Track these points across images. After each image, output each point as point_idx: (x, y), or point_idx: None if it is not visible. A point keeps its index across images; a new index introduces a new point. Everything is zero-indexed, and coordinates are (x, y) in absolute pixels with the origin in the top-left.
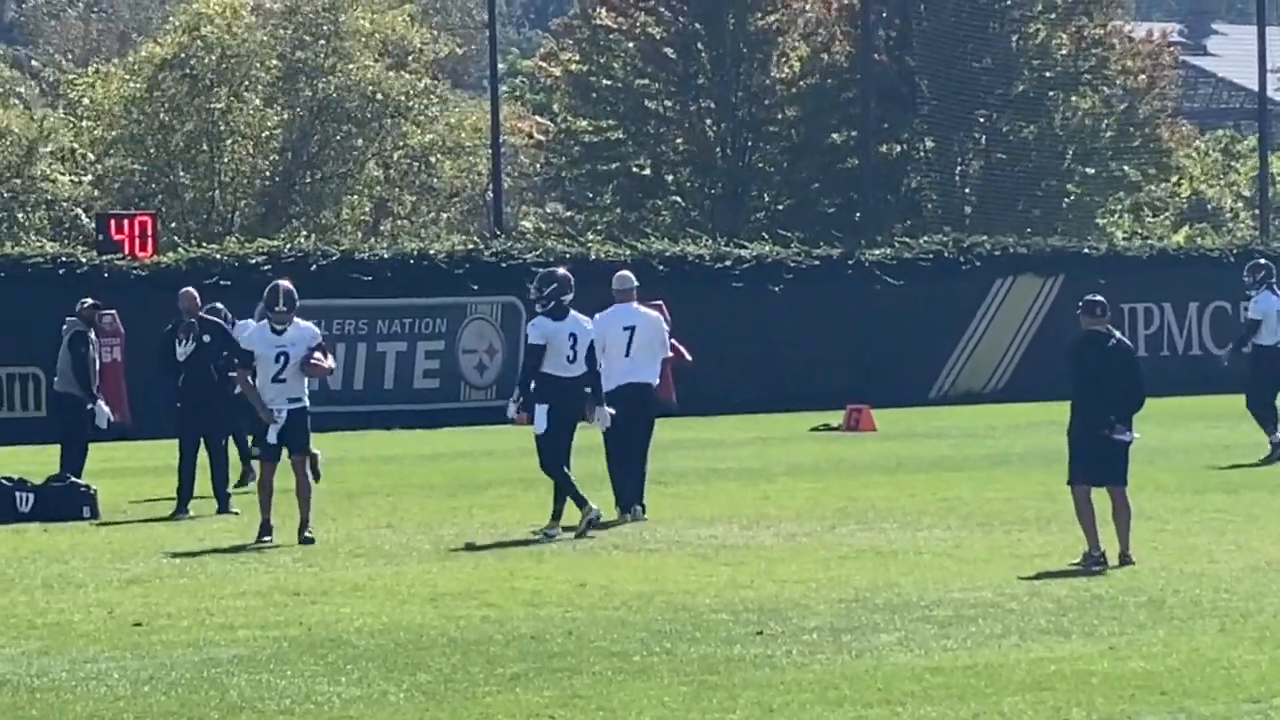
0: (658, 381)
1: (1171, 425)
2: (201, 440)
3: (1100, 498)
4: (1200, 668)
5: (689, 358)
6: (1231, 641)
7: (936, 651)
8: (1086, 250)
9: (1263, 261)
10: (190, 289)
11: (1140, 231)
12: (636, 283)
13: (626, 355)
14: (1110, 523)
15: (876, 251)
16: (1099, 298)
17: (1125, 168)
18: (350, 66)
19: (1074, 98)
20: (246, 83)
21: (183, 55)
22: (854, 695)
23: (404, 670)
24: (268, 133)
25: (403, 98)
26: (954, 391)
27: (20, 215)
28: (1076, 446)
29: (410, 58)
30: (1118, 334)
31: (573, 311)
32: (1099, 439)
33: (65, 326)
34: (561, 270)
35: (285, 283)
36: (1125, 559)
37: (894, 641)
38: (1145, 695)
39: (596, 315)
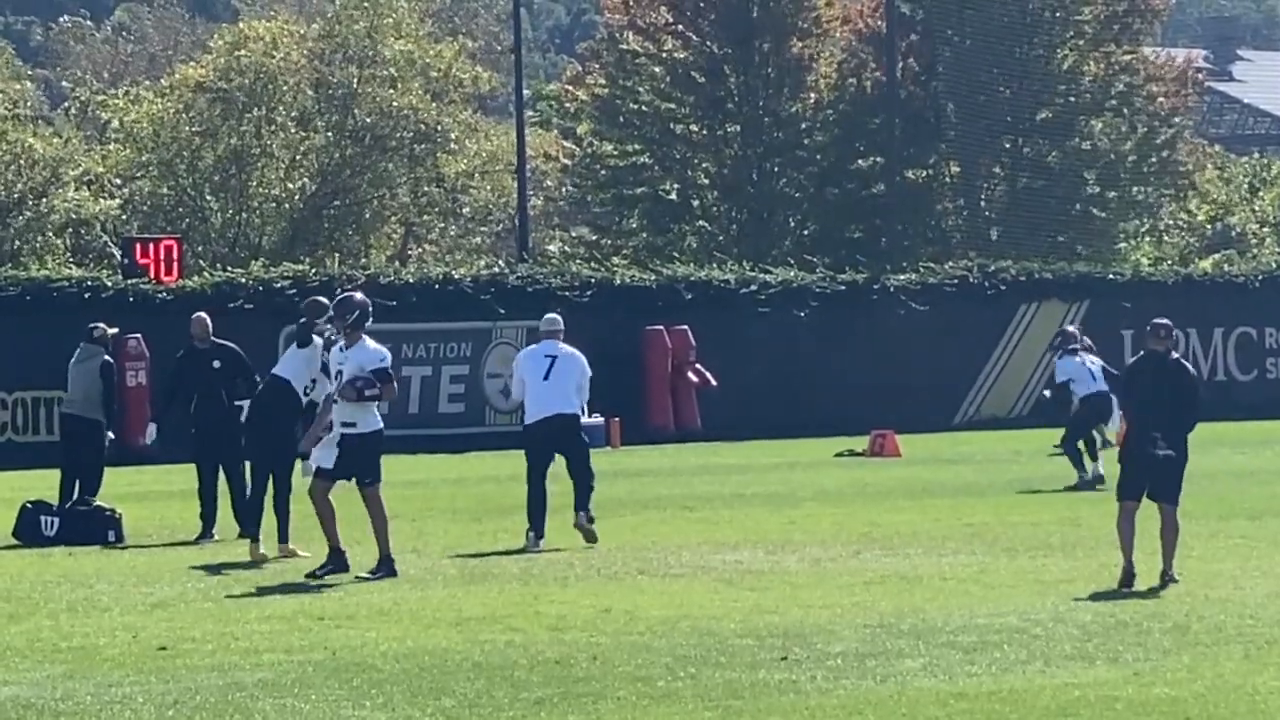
0: (581, 414)
1: (1196, 451)
2: (220, 466)
3: (1144, 520)
4: (1224, 694)
5: (713, 382)
6: (1256, 668)
7: (961, 677)
8: (1111, 275)
9: (1069, 329)
10: (203, 314)
11: (1161, 255)
12: (562, 326)
13: (545, 379)
14: (1146, 544)
15: (901, 277)
16: (1166, 321)
17: (1146, 190)
18: (390, 93)
19: (1097, 123)
20: (280, 107)
21: (220, 78)
22: None
23: (428, 695)
24: (299, 156)
25: (439, 127)
26: (979, 417)
27: (41, 239)
28: (1129, 462)
29: (453, 88)
30: (1176, 354)
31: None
32: (1152, 457)
33: (82, 351)
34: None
35: (354, 294)
36: (1167, 578)
37: (919, 667)
38: None
39: (522, 350)
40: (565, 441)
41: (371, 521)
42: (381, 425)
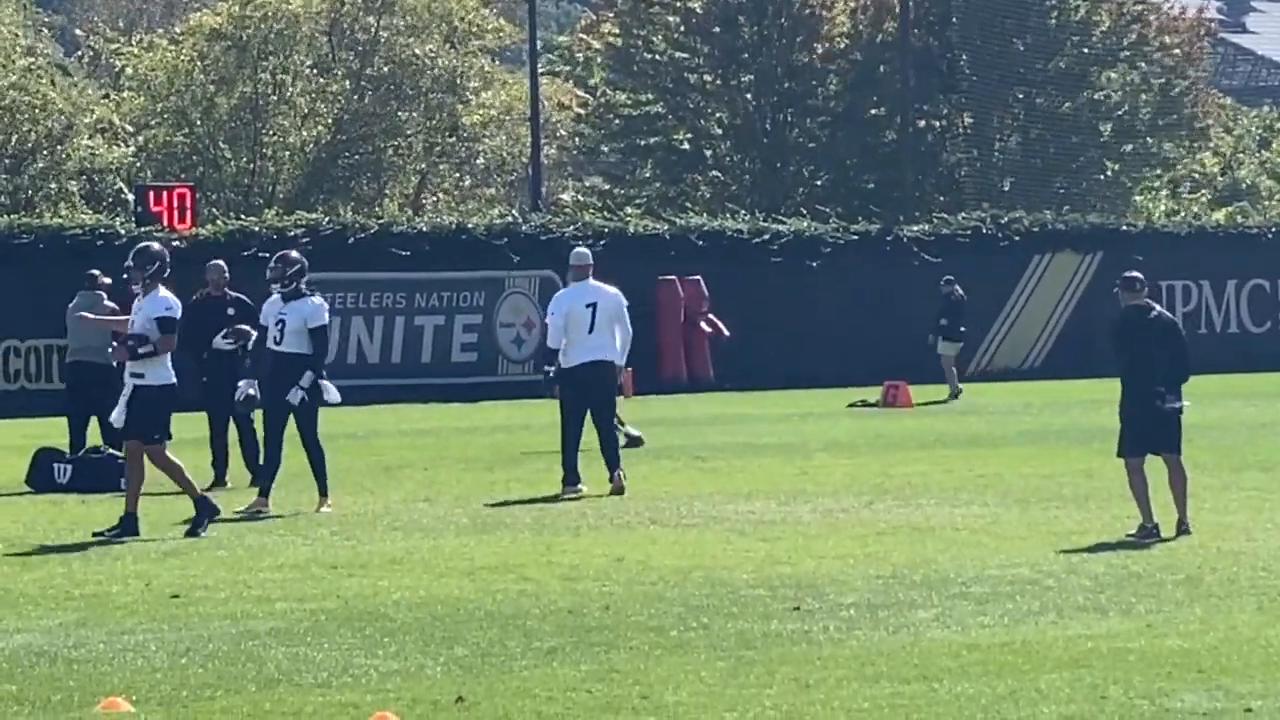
0: (618, 359)
1: (1208, 403)
2: (231, 415)
3: (1153, 472)
4: (1237, 646)
5: (727, 333)
6: (1269, 620)
7: (974, 628)
8: (1125, 227)
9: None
10: (219, 262)
11: (1177, 209)
12: (592, 260)
13: (590, 332)
14: (1158, 496)
15: (914, 227)
16: (1136, 274)
17: (1163, 145)
18: (409, 40)
19: (1111, 74)
20: (296, 54)
21: (235, 25)
22: (891, 671)
23: (441, 644)
24: (319, 103)
25: (458, 77)
26: (991, 368)
27: (56, 186)
28: (1128, 419)
29: (473, 36)
30: (1158, 307)
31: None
32: (1151, 410)
33: (84, 299)
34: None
35: (151, 244)
36: (1183, 528)
37: (931, 618)
38: (1182, 673)
39: (557, 293)
40: (599, 388)
41: (128, 474)
42: (173, 380)
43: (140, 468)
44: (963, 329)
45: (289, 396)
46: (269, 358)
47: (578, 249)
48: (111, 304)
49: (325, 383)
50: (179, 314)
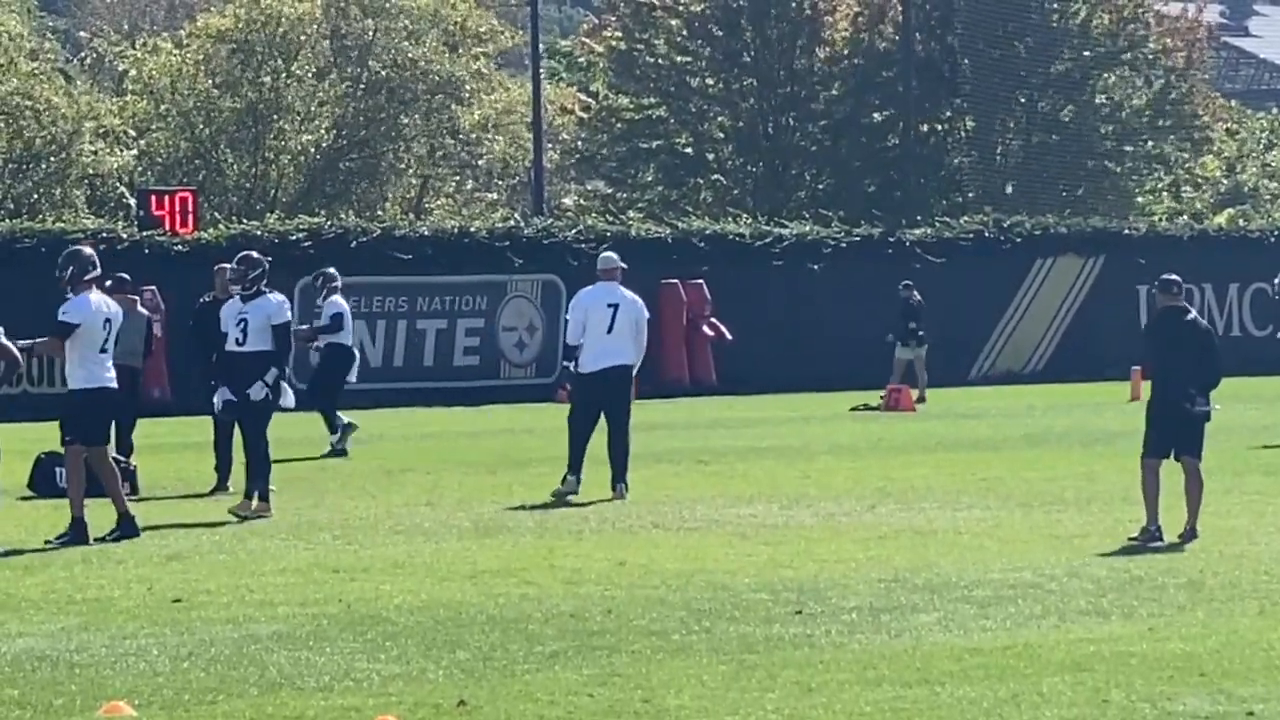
0: (635, 364)
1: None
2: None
3: (1165, 475)
4: (1239, 649)
5: (729, 336)
6: (1271, 623)
7: (975, 632)
8: (1127, 231)
9: (330, 270)
10: (228, 265)
11: (1179, 207)
12: (622, 264)
13: (609, 332)
14: (1164, 501)
15: (917, 231)
16: (1174, 276)
17: (1163, 146)
18: (405, 44)
19: (1110, 76)
20: (300, 57)
21: (242, 28)
22: (893, 675)
23: (443, 648)
24: (315, 107)
25: (453, 78)
26: (994, 372)
27: (59, 191)
28: (1153, 419)
29: (471, 41)
30: (1194, 311)
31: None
32: (1177, 411)
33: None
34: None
35: (81, 248)
36: (1190, 533)
37: (933, 621)
38: (1184, 676)
39: (580, 291)
40: (616, 394)
41: (101, 478)
42: (98, 385)
43: (110, 469)
44: (921, 334)
45: (250, 390)
46: (231, 360)
47: (605, 253)
48: (143, 310)
49: (285, 384)
50: (74, 319)
